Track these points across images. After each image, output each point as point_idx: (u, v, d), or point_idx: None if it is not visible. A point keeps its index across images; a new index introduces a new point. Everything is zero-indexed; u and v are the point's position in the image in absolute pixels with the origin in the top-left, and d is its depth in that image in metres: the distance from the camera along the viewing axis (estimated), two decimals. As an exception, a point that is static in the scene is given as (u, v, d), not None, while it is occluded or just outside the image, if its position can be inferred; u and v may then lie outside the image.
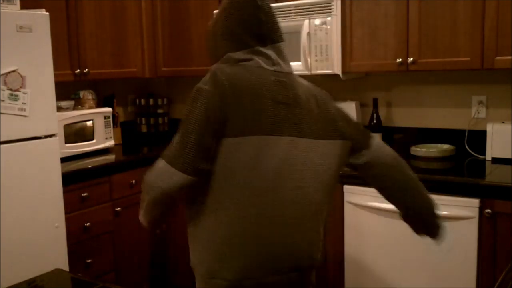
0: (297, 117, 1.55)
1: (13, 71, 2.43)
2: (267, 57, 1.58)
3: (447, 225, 1.81)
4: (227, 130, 1.48)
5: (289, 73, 1.61)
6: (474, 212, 2.31)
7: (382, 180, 1.71)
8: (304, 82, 1.67)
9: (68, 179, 2.77)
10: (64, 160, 2.94)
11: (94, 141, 3.33)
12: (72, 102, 3.33)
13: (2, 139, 2.41)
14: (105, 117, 3.41)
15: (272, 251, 1.55)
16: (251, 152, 1.49)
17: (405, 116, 3.15)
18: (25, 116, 2.49)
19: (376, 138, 1.73)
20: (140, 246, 3.28)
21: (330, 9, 2.86)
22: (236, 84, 1.50)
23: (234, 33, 1.58)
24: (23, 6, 2.57)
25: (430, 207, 1.75)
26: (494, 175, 2.51)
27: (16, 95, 2.44)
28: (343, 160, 1.66)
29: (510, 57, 2.46)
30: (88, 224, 2.92)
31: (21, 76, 2.46)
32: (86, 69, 3.26)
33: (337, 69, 2.90)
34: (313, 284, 1.72)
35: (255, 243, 1.53)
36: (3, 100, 2.40)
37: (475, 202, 2.31)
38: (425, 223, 1.77)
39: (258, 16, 1.58)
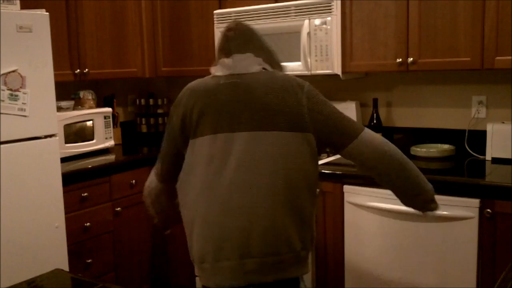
0: (249, 112, 1.69)
1: (13, 71, 2.43)
2: (223, 64, 1.79)
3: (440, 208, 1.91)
4: (192, 132, 1.74)
5: (245, 74, 1.75)
6: (474, 212, 2.31)
7: (368, 168, 1.81)
8: (272, 77, 1.76)
9: (68, 179, 2.77)
10: (64, 160, 2.94)
11: (94, 141, 3.33)
12: (72, 102, 3.33)
13: (2, 139, 2.41)
14: (105, 117, 3.41)
15: (222, 237, 1.65)
16: (207, 149, 1.70)
17: (405, 116, 3.15)
18: (25, 116, 2.49)
19: (367, 133, 1.77)
20: (140, 246, 3.28)
21: (330, 9, 2.86)
22: (191, 94, 1.77)
23: (216, 54, 1.89)
24: (23, 6, 2.57)
25: (421, 190, 1.86)
26: (494, 175, 2.51)
27: (16, 95, 2.44)
28: (308, 149, 1.71)
29: (510, 57, 2.46)
30: (88, 224, 2.92)
31: (21, 76, 2.46)
32: (86, 69, 3.25)
33: (337, 69, 2.90)
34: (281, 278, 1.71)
35: (208, 228, 1.68)
36: (3, 100, 2.40)
37: (475, 202, 2.31)
38: (417, 204, 1.91)
39: (227, 35, 1.84)
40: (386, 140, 1.83)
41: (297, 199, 1.69)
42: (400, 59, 2.73)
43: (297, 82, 1.75)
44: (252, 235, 1.64)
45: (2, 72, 2.39)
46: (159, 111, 3.99)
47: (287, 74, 1.81)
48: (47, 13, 2.57)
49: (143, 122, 3.98)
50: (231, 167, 1.67)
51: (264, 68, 1.79)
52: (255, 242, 1.64)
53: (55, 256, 2.61)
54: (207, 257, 1.69)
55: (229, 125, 1.69)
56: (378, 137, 1.82)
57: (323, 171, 2.72)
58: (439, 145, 2.99)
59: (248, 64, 1.77)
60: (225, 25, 3.16)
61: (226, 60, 1.79)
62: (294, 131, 1.68)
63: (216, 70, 1.81)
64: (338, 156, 3.06)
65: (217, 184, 1.67)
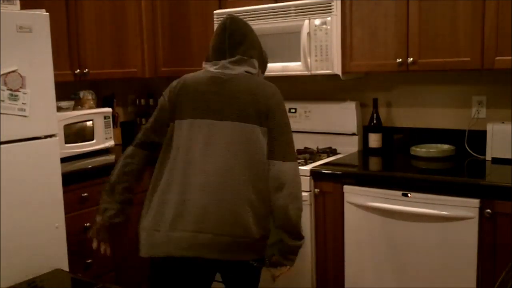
0: (222, 104, 1.93)
1: (13, 71, 2.43)
2: (215, 64, 2.02)
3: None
4: (175, 115, 2.00)
5: (234, 74, 1.98)
6: (474, 212, 2.31)
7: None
8: (252, 82, 1.98)
9: (68, 179, 2.77)
10: (64, 160, 2.94)
11: (94, 141, 3.33)
12: (72, 102, 3.33)
13: (2, 139, 2.40)
14: (105, 117, 3.41)
15: (184, 209, 1.86)
16: (184, 132, 1.95)
17: (405, 116, 3.15)
18: (25, 116, 2.49)
19: (287, 164, 1.91)
20: (140, 246, 3.28)
21: (330, 9, 2.86)
22: (184, 83, 2.04)
23: (209, 50, 2.07)
24: (23, 6, 2.57)
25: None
26: (494, 175, 2.51)
27: (16, 95, 2.44)
28: (262, 140, 1.92)
29: (510, 57, 2.46)
30: (88, 224, 2.91)
31: (21, 76, 2.46)
32: (86, 69, 3.25)
33: (337, 69, 2.90)
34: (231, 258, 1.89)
35: (173, 198, 1.90)
36: (3, 100, 2.40)
37: (475, 202, 2.31)
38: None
39: (223, 36, 2.01)
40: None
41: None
42: (400, 59, 2.73)
43: (267, 92, 1.95)
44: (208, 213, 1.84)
45: (2, 72, 2.39)
46: (159, 111, 3.99)
47: (263, 81, 2.01)
48: (47, 13, 2.57)
49: (143, 122, 3.98)
50: (199, 148, 1.90)
51: (247, 72, 2.00)
52: (211, 219, 1.84)
53: (55, 256, 2.61)
54: (162, 225, 1.87)
55: (202, 113, 1.94)
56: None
57: (323, 171, 2.72)
58: (439, 145, 2.99)
59: (235, 67, 1.99)
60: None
61: (220, 62, 2.01)
62: (250, 123, 1.90)
63: (208, 66, 2.05)
64: (338, 156, 3.07)
65: (190, 164, 1.90)
